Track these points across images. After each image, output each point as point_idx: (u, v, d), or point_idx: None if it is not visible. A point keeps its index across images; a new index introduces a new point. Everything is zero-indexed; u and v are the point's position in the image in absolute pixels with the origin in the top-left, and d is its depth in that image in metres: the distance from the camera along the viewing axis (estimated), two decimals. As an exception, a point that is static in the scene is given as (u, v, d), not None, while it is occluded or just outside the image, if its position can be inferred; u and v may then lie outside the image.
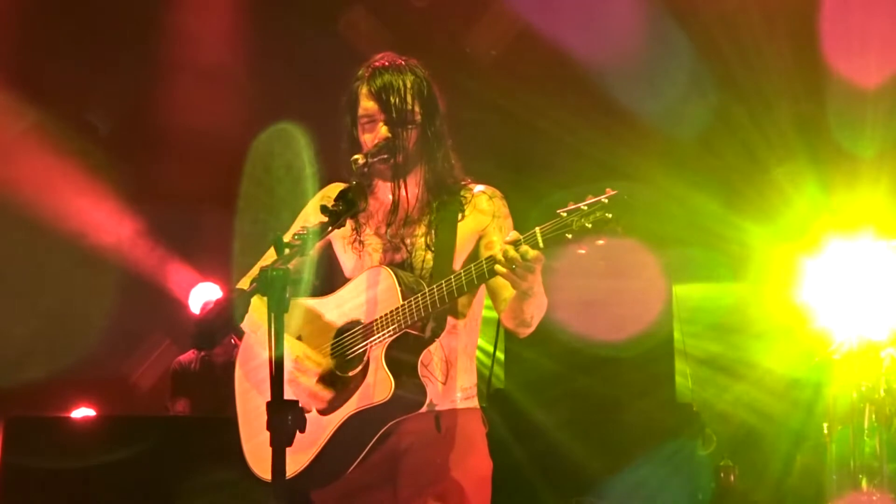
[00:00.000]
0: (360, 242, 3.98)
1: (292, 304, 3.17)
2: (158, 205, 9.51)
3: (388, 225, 3.99)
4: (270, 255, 4.03)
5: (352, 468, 3.77)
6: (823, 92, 8.91)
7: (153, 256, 9.72)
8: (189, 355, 8.35)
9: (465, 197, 4.01)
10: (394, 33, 8.85)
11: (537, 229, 3.51)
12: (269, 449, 3.79)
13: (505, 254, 3.52)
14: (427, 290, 3.70)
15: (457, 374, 3.92)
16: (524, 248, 3.50)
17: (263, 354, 3.96)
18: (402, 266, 3.91)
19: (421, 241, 3.94)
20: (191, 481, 6.43)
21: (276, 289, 3.11)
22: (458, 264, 3.90)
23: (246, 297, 3.12)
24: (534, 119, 9.34)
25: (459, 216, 3.97)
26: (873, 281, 8.03)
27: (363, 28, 8.94)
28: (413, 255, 3.94)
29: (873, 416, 7.18)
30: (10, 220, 8.78)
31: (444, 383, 3.88)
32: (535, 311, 3.79)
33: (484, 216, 3.99)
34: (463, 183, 4.04)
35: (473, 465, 3.94)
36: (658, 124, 9.21)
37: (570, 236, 3.46)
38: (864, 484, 7.20)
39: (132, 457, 6.80)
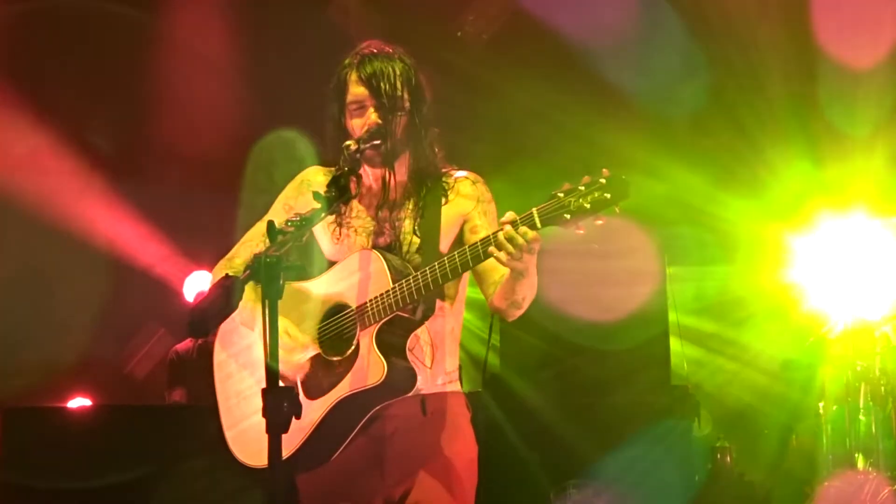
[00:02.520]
0: (345, 227, 3.98)
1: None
2: (153, 193, 9.49)
3: (374, 209, 4.00)
4: (251, 238, 4.07)
5: (337, 453, 3.79)
6: (815, 71, 8.91)
7: (147, 245, 9.70)
8: (186, 344, 8.33)
9: (448, 182, 4.03)
10: (385, 17, 8.84)
11: (534, 210, 3.51)
12: (254, 435, 3.80)
13: (505, 235, 3.52)
14: (419, 272, 3.70)
15: (443, 357, 3.94)
16: (523, 228, 3.51)
17: (243, 340, 3.98)
18: (388, 250, 3.91)
19: (406, 226, 3.95)
20: (188, 470, 6.44)
21: (270, 276, 3.10)
22: (443, 248, 3.92)
23: (240, 284, 3.11)
24: (526, 101, 9.34)
25: (443, 201, 3.99)
26: (867, 260, 8.04)
27: (354, 13, 8.93)
28: (399, 239, 3.94)
29: (868, 396, 7.19)
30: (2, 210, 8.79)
31: (431, 367, 3.89)
32: (528, 292, 3.79)
33: (468, 201, 4.01)
34: (445, 169, 4.06)
35: (460, 448, 3.96)
36: (650, 104, 9.21)
37: (568, 216, 3.46)
38: (859, 463, 7.21)
39: (129, 446, 6.82)
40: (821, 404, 7.61)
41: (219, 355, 4.13)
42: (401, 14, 8.85)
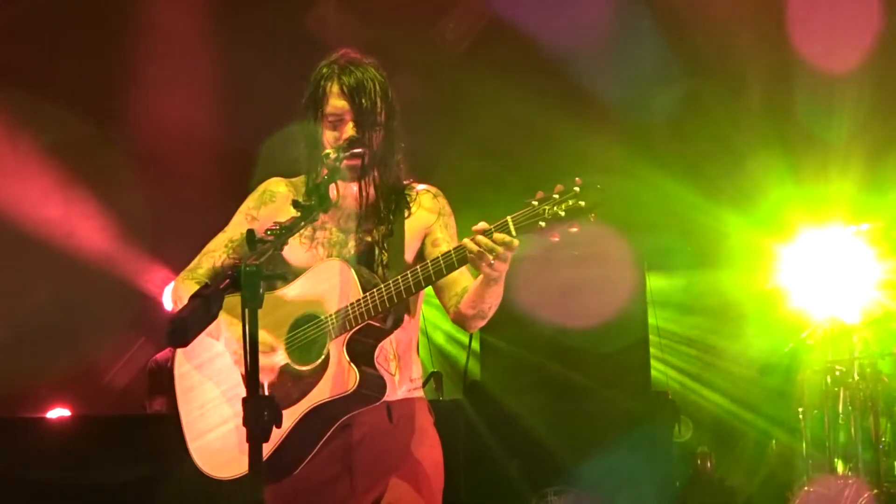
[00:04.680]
0: (312, 238, 4.00)
1: (234, 296, 3.15)
2: (131, 201, 9.45)
3: (340, 222, 4.02)
4: (213, 248, 4.09)
5: (305, 462, 3.81)
6: (793, 78, 8.95)
7: (126, 254, 9.66)
8: (166, 353, 8.30)
9: (411, 195, 4.09)
10: (364, 25, 8.84)
11: (509, 218, 3.54)
12: (221, 446, 3.87)
13: (478, 242, 3.55)
14: (391, 280, 3.73)
15: (407, 366, 4.00)
16: (499, 235, 3.54)
17: (206, 351, 3.96)
18: (356, 263, 3.94)
19: (373, 239, 3.99)
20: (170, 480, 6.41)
21: (250, 284, 3.10)
22: (409, 261, 3.98)
23: (220, 293, 3.10)
24: (505, 108, 9.36)
25: (406, 214, 4.05)
26: (845, 265, 8.07)
27: (334, 21, 8.93)
28: (365, 252, 3.98)
29: (847, 400, 7.22)
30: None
31: (396, 375, 3.93)
32: (494, 301, 3.84)
33: (429, 214, 4.09)
34: (406, 182, 4.11)
35: (427, 452, 4.02)
36: (629, 111, 9.24)
37: (543, 224, 3.49)
38: (839, 468, 7.24)
39: (109, 456, 6.78)
40: (800, 409, 7.63)
41: (181, 367, 4.11)
42: (380, 21, 8.86)
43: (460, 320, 3.98)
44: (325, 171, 3.80)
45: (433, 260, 3.69)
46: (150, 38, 8.94)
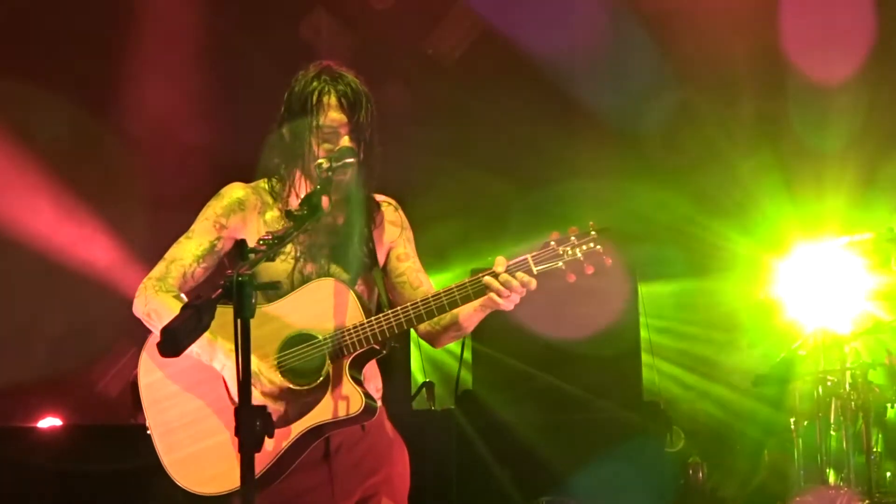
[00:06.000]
0: (289, 251, 3.96)
1: (229, 311, 3.12)
2: (124, 210, 9.43)
3: (320, 233, 4.00)
4: (179, 256, 4.01)
5: (285, 475, 3.81)
6: (786, 88, 8.96)
7: (117, 262, 9.63)
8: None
9: (375, 208, 4.14)
10: (356, 36, 8.84)
11: (529, 257, 3.70)
12: (206, 460, 3.84)
13: (503, 281, 3.68)
14: (400, 308, 3.78)
15: (373, 377, 4.02)
16: (521, 275, 3.69)
17: (182, 362, 3.81)
18: (331, 277, 3.94)
19: (349, 252, 4.00)
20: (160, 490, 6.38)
21: (241, 294, 3.08)
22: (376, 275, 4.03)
23: (212, 303, 3.09)
24: (496, 119, 9.36)
25: (373, 226, 4.09)
26: (836, 276, 8.07)
27: (325, 30, 8.93)
28: (348, 265, 3.98)
29: (839, 411, 7.22)
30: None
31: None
32: (477, 323, 3.96)
33: (393, 227, 4.16)
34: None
35: (399, 456, 4.13)
36: (621, 121, 9.24)
37: (561, 265, 3.68)
38: (830, 478, 7.24)
39: (100, 466, 6.77)
40: (792, 420, 7.63)
41: (146, 377, 4.04)
42: (372, 32, 8.87)
43: (434, 336, 4.06)
44: (318, 182, 3.82)
45: (447, 291, 3.77)
46: (152, 53, 8.94)
